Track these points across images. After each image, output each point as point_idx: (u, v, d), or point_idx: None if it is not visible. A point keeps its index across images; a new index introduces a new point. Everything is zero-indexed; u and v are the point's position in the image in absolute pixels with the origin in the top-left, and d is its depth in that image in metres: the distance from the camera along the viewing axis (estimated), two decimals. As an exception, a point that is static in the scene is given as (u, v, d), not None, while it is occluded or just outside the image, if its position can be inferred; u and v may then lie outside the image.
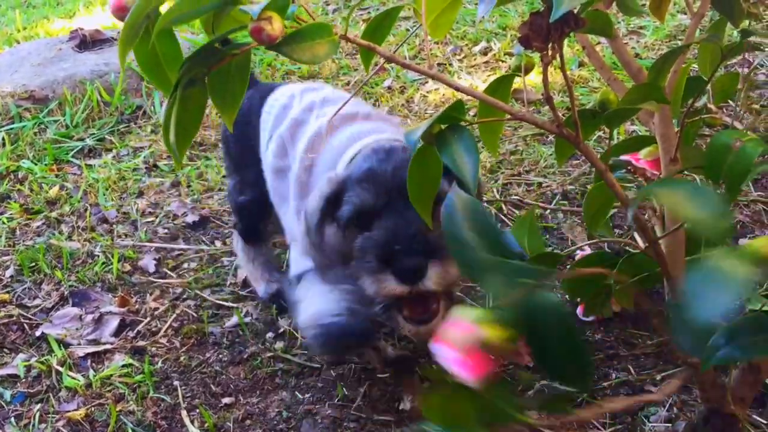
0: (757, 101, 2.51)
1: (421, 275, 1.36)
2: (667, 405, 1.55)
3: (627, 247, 1.84)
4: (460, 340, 0.89)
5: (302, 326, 1.60)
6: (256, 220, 1.97)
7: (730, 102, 2.39)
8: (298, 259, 1.62)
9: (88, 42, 3.57)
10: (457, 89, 1.18)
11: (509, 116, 1.20)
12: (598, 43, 2.94)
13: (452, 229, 1.00)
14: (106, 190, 2.62)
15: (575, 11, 1.00)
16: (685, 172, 1.64)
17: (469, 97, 1.33)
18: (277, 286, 1.96)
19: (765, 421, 1.49)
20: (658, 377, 1.63)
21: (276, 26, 0.96)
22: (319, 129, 1.68)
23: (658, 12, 1.40)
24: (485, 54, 3.39)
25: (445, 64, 3.35)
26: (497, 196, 2.34)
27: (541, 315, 0.92)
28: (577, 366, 0.87)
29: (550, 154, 2.47)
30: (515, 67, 1.33)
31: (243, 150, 1.93)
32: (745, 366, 1.38)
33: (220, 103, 1.13)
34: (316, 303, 1.53)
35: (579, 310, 1.79)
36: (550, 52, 1.09)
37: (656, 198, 1.01)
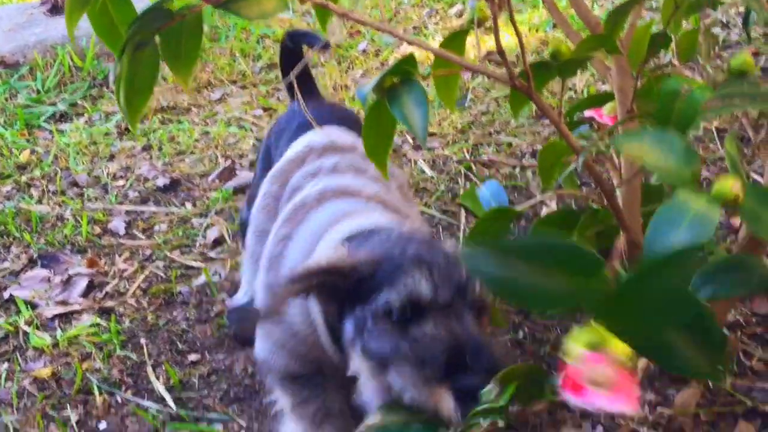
0: (727, 60, 2.51)
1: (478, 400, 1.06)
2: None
3: (592, 203, 1.85)
4: (596, 376, 0.77)
5: None
6: None
7: (699, 59, 2.40)
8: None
9: (59, 6, 3.53)
10: (409, 42, 1.18)
11: (464, 69, 1.21)
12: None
13: (503, 281, 0.81)
14: (77, 154, 2.60)
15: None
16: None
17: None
18: (248, 299, 1.69)
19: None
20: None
21: (222, -16, 0.96)
22: (304, 199, 1.41)
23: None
24: (460, 16, 3.37)
25: (421, 27, 3.33)
26: (467, 157, 2.34)
27: (653, 304, 0.79)
28: (709, 353, 0.77)
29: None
30: (469, 21, 1.32)
31: (265, 164, 1.72)
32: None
33: (173, 65, 1.12)
34: None
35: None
36: (497, 1, 1.09)
37: (619, 148, 1.02)
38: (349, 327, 1.16)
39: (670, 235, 0.86)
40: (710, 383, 1.48)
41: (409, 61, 1.17)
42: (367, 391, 1.20)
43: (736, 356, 1.54)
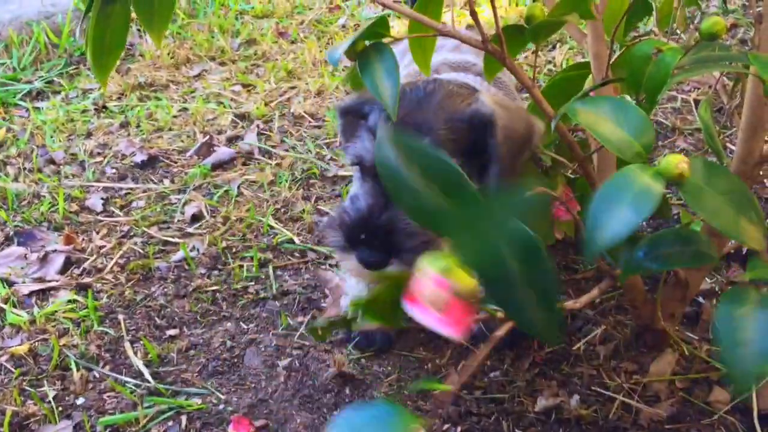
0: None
1: (381, 267, 1.27)
2: (602, 326, 1.58)
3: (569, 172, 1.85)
4: (434, 298, 0.83)
5: None
6: None
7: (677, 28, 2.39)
8: None
9: (34, -17, 3.47)
10: (383, 5, 1.17)
11: (437, 32, 1.20)
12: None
13: (391, 174, 0.88)
14: (54, 131, 2.58)
15: None
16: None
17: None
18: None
19: (697, 337, 1.52)
20: (597, 300, 1.66)
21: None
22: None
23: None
24: (441, -9, 3.35)
25: (401, 1, 3.30)
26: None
27: (505, 255, 0.83)
28: (546, 314, 0.82)
29: (501, 88, 2.45)
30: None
31: None
32: (673, 282, 1.40)
33: (146, 21, 1.10)
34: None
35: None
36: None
37: (574, 117, 1.00)
38: None
39: (613, 213, 0.85)
40: (685, 350, 1.49)
41: (381, 23, 1.16)
42: None
43: (710, 324, 1.55)
